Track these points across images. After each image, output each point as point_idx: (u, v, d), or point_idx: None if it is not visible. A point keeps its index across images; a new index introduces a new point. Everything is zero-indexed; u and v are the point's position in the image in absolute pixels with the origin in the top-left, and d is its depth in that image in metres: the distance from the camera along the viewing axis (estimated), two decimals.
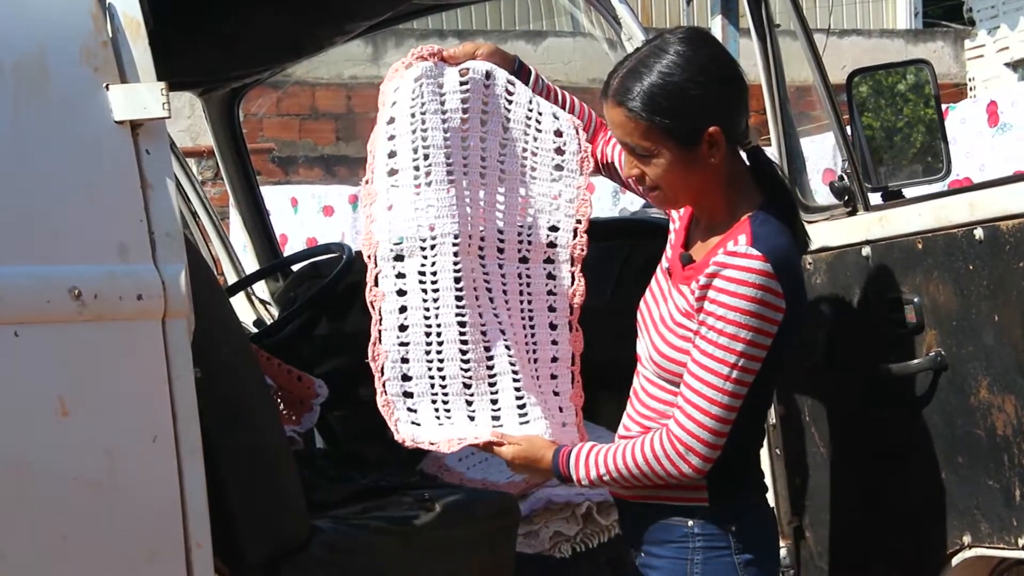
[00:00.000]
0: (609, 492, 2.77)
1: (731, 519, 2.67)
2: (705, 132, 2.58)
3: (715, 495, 2.66)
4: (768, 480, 3.33)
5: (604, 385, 3.24)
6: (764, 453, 3.33)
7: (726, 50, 2.67)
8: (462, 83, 2.78)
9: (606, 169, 2.97)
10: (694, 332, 2.61)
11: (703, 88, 2.58)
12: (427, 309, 2.75)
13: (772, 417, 3.31)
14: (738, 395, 2.56)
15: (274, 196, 10.62)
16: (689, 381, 2.58)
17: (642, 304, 2.81)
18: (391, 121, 2.75)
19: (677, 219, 2.83)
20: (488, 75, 2.81)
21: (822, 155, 8.01)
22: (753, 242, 2.56)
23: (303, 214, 10.74)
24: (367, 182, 2.75)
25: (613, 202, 9.44)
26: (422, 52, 2.78)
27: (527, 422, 2.75)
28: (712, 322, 2.56)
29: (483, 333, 2.76)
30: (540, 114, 2.85)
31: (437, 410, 2.75)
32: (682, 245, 2.78)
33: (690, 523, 2.67)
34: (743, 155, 2.69)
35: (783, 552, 3.34)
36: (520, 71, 2.90)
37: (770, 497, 3.32)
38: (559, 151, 2.86)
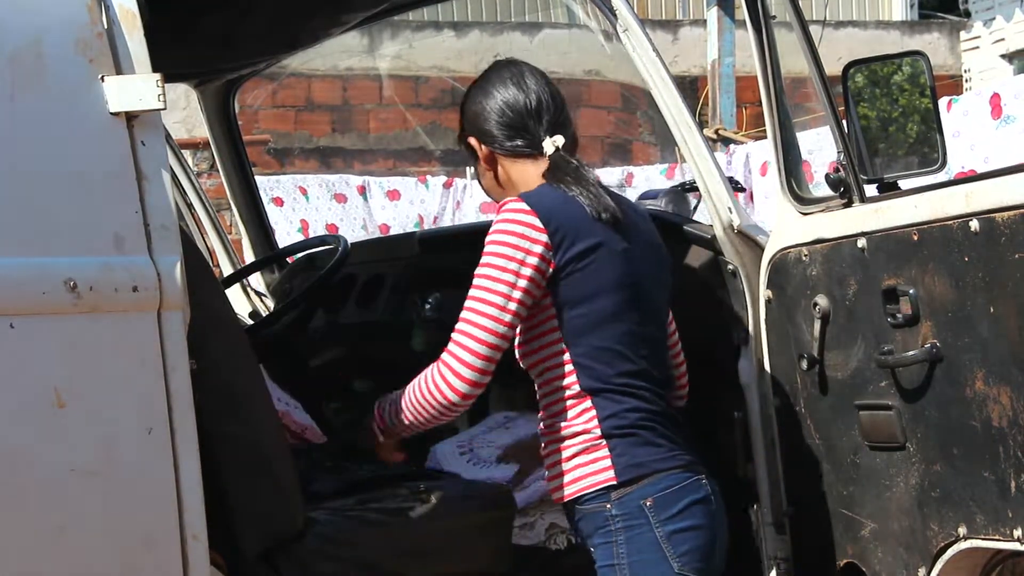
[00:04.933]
0: (553, 499, 2.91)
1: (645, 494, 2.77)
2: (467, 139, 3.00)
3: (622, 470, 2.77)
4: (763, 471, 3.33)
5: None
6: (760, 445, 3.34)
7: (506, 73, 2.97)
8: None
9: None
10: None
11: (467, 106, 3.00)
12: None
13: (769, 408, 3.31)
14: (502, 320, 2.76)
15: (283, 186, 10.68)
16: (461, 315, 2.79)
17: None
18: None
19: None
20: None
21: (819, 146, 8.01)
22: (519, 198, 2.84)
23: (315, 202, 10.79)
24: None
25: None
26: None
27: None
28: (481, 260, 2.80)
29: None
30: None
31: None
32: None
33: (608, 506, 2.78)
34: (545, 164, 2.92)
35: (779, 543, 3.34)
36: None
37: (764, 488, 3.33)
38: None
